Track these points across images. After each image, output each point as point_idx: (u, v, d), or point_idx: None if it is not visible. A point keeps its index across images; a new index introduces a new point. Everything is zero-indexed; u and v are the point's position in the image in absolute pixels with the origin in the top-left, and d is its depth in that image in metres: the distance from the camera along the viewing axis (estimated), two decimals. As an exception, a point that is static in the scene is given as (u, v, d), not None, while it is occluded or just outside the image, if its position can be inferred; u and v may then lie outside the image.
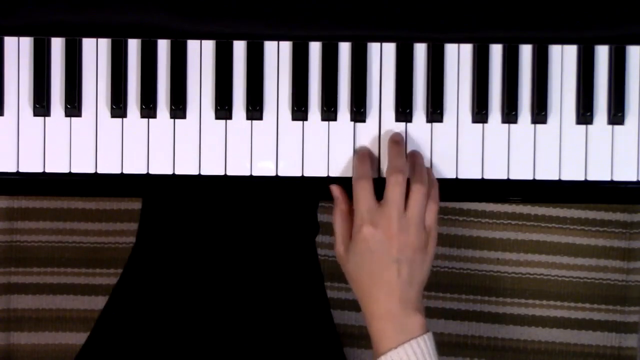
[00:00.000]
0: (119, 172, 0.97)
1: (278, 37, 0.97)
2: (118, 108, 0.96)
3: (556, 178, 0.97)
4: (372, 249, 0.90)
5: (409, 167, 0.94)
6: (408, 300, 0.90)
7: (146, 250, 1.10)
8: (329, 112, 0.96)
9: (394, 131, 0.97)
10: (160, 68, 0.97)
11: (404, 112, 0.97)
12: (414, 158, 0.95)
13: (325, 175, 0.97)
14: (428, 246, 0.92)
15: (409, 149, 0.97)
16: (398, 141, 0.95)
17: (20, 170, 0.97)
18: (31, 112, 0.97)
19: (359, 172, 0.93)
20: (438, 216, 0.94)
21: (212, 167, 0.97)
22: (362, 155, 0.95)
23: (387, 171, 0.93)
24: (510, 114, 0.97)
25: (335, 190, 0.96)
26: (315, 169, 0.97)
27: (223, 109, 0.96)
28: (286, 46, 0.97)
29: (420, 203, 0.91)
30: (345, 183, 0.96)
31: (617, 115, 0.97)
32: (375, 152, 0.97)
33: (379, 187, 0.92)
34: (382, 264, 0.90)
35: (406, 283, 0.90)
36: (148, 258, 1.10)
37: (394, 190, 0.91)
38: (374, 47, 0.97)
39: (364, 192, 0.91)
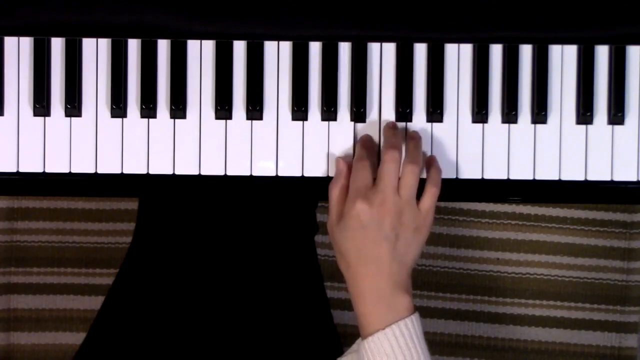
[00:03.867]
0: (119, 172, 0.97)
1: (278, 37, 0.97)
2: (118, 108, 0.96)
3: (556, 178, 0.97)
4: (364, 224, 0.90)
5: (408, 148, 0.93)
6: (396, 280, 0.90)
7: (144, 250, 1.10)
8: (329, 112, 0.96)
9: (394, 131, 0.97)
10: (160, 68, 0.97)
11: (404, 112, 0.97)
12: (412, 140, 0.95)
13: (325, 175, 0.97)
14: (421, 228, 0.92)
15: (409, 149, 0.97)
16: (395, 125, 0.96)
17: (20, 170, 0.97)
18: (31, 112, 0.97)
19: (361, 153, 0.93)
20: (436, 209, 0.93)
21: (212, 167, 0.97)
22: (366, 140, 0.95)
23: (383, 149, 0.92)
24: (510, 114, 0.97)
25: (341, 164, 0.94)
26: (315, 169, 0.97)
27: (223, 109, 0.96)
28: (286, 46, 0.97)
29: (412, 183, 0.91)
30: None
31: (617, 115, 0.97)
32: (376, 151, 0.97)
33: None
34: (373, 240, 0.89)
35: (396, 262, 0.90)
36: (146, 257, 1.10)
37: (389, 166, 0.90)
38: (374, 47, 0.97)
39: (363, 170, 0.91)
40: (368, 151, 0.94)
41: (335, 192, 0.93)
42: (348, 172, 0.94)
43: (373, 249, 0.89)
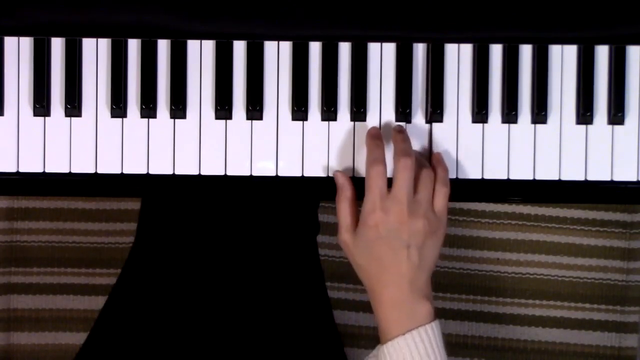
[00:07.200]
0: (119, 172, 0.97)
1: (278, 37, 0.97)
2: (118, 108, 0.96)
3: (556, 178, 0.97)
4: (383, 235, 0.89)
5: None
6: (417, 286, 0.90)
7: (145, 250, 1.10)
8: (329, 112, 0.96)
9: (394, 131, 0.97)
10: (160, 68, 0.97)
11: (404, 112, 0.97)
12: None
13: (325, 175, 0.97)
14: (438, 230, 0.91)
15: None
16: (402, 129, 0.95)
17: (20, 170, 0.97)
18: (31, 112, 0.97)
19: (374, 155, 0.92)
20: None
21: (212, 167, 0.97)
22: (376, 138, 0.94)
23: (395, 156, 0.91)
24: (510, 114, 0.97)
25: (340, 177, 0.94)
26: (315, 169, 0.97)
27: (223, 109, 0.96)
28: (286, 46, 0.97)
29: (428, 186, 0.91)
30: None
31: (617, 115, 0.97)
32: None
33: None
34: (393, 249, 0.89)
35: (416, 267, 0.89)
36: (147, 258, 1.10)
37: (404, 174, 0.89)
38: (374, 47, 0.97)
39: (377, 178, 0.90)
40: (380, 151, 0.92)
41: (340, 206, 0.93)
42: (349, 183, 0.94)
43: (393, 258, 0.89)
